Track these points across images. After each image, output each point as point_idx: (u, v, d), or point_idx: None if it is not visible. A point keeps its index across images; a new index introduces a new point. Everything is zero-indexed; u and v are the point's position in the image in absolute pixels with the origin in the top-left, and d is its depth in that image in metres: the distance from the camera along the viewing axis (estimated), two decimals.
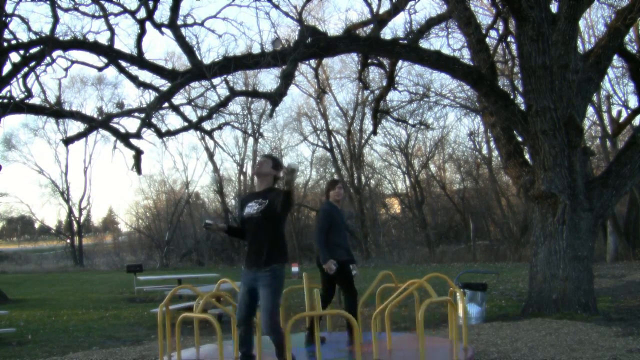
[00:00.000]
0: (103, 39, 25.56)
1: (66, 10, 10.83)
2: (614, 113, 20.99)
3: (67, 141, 12.68)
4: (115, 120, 11.25)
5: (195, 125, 11.95)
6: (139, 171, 10.81)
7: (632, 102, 23.40)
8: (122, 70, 10.63)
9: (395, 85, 12.08)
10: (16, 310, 11.71)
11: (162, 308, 5.49)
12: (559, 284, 8.13)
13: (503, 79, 13.76)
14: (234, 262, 27.79)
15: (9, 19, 11.18)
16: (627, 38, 11.96)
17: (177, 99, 14.72)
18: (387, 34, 24.26)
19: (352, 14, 61.25)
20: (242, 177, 32.42)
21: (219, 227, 4.82)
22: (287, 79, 8.67)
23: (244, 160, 32.21)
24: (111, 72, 68.15)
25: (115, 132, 10.80)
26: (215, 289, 6.25)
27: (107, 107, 23.18)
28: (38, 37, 10.39)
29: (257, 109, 28.93)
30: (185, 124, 12.16)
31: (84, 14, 10.65)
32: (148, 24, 10.18)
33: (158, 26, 9.98)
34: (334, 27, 63.53)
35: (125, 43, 37.27)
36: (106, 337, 8.45)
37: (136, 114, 11.03)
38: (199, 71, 8.96)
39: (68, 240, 35.49)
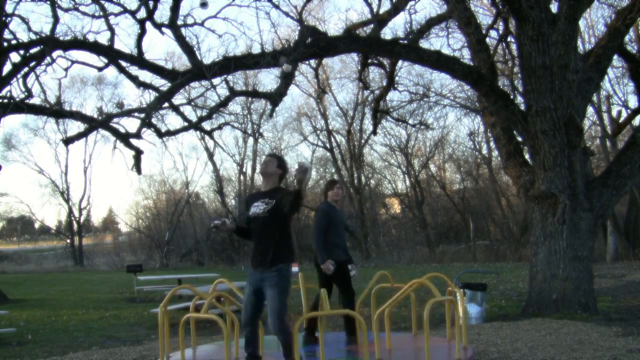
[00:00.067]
0: (103, 39, 25.53)
1: (66, 10, 10.82)
2: (614, 113, 21.00)
3: (67, 141, 12.67)
4: (115, 120, 11.25)
5: (195, 125, 11.94)
6: (139, 171, 10.81)
7: (632, 102, 23.44)
8: (122, 70, 10.62)
9: (395, 85, 12.08)
10: (16, 310, 11.71)
11: (162, 308, 5.49)
12: (559, 284, 8.13)
13: (503, 79, 13.75)
14: (234, 262, 27.79)
15: (9, 19, 11.17)
16: (627, 38, 11.95)
17: (177, 99, 14.70)
18: (387, 34, 24.21)
19: (352, 14, 61.31)
20: (242, 177, 32.45)
21: (228, 228, 4.73)
22: (287, 79, 8.67)
23: (244, 160, 32.25)
24: (111, 72, 68.22)
25: (115, 132, 10.80)
26: (212, 289, 6.24)
27: (107, 107, 23.15)
28: (38, 37, 10.38)
29: (257, 109, 28.96)
30: (185, 124, 12.15)
31: (84, 14, 10.64)
32: (148, 24, 10.18)
33: (158, 26, 9.97)
34: (334, 27, 63.56)
35: (125, 43, 37.23)
36: (106, 337, 8.45)
37: (136, 114, 11.02)
38: (199, 71, 8.96)
39: (68, 240, 35.49)
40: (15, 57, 10.97)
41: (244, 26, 28.69)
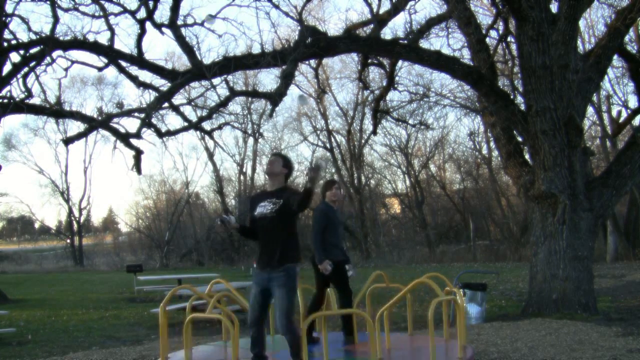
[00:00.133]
0: (103, 39, 25.59)
1: (66, 10, 10.84)
2: (614, 113, 21.00)
3: (67, 141, 12.68)
4: (115, 120, 11.27)
5: (195, 125, 11.95)
6: (139, 171, 10.82)
7: (632, 102, 23.43)
8: (122, 70, 10.63)
9: (395, 85, 12.08)
10: (16, 310, 11.71)
11: (163, 308, 5.48)
12: (559, 284, 8.13)
13: (503, 79, 13.75)
14: (234, 262, 27.78)
15: (9, 19, 11.18)
16: (627, 38, 11.97)
17: (177, 99, 14.73)
18: (387, 34, 24.24)
19: (352, 14, 61.36)
20: (242, 177, 32.45)
21: (233, 226, 4.69)
22: (287, 79, 8.67)
23: (244, 160, 32.25)
24: (111, 72, 68.18)
25: (115, 132, 10.81)
26: (208, 290, 6.22)
27: (107, 107, 23.18)
28: (38, 37, 10.39)
29: (257, 109, 28.96)
30: (185, 124, 12.17)
31: (84, 14, 10.66)
32: (148, 24, 10.19)
33: (158, 26, 9.98)
34: (334, 27, 63.50)
35: (125, 43, 37.37)
36: (106, 337, 8.45)
37: (136, 114, 11.04)
38: (199, 71, 8.96)
39: (68, 240, 35.50)
40: (15, 57, 11.01)
41: (244, 26, 28.86)
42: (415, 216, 28.73)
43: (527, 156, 9.33)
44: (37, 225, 46.89)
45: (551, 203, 8.22)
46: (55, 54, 10.55)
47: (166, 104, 10.87)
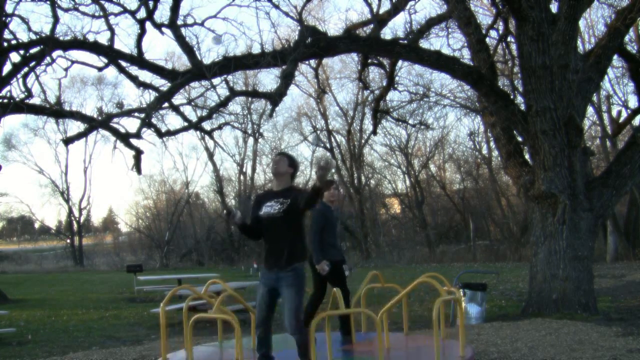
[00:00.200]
0: (103, 39, 25.54)
1: (66, 10, 10.83)
2: (614, 113, 21.00)
3: (67, 141, 12.68)
4: (115, 120, 11.27)
5: (195, 125, 11.96)
6: (139, 171, 10.82)
7: (632, 102, 23.45)
8: (122, 70, 10.63)
9: (395, 85, 12.08)
10: (16, 310, 11.72)
11: (163, 308, 5.48)
12: (559, 284, 8.13)
13: (503, 79, 13.75)
14: (234, 262, 27.78)
15: (9, 19, 11.17)
16: (627, 38, 11.96)
17: (177, 99, 14.73)
18: (387, 34, 24.21)
19: (352, 14, 61.33)
20: (242, 177, 32.45)
21: (236, 220, 4.65)
22: (287, 79, 8.67)
23: (244, 160, 32.26)
24: (111, 72, 68.18)
25: (115, 132, 10.81)
26: (204, 290, 6.20)
27: (107, 107, 23.15)
28: (38, 37, 10.39)
29: (257, 109, 28.98)
30: (185, 124, 12.17)
31: (84, 14, 10.65)
32: (148, 24, 10.18)
33: (158, 26, 9.98)
34: (334, 27, 63.52)
35: (125, 43, 37.28)
36: (106, 337, 8.45)
37: (136, 114, 11.04)
38: (199, 71, 8.96)
39: (68, 240, 35.52)
40: (15, 57, 11.01)
41: (244, 26, 28.85)
42: (415, 216, 28.73)
43: (527, 156, 9.33)
44: (37, 225, 46.94)
45: (551, 203, 8.22)
46: (55, 54, 10.55)
47: (166, 104, 10.88)
